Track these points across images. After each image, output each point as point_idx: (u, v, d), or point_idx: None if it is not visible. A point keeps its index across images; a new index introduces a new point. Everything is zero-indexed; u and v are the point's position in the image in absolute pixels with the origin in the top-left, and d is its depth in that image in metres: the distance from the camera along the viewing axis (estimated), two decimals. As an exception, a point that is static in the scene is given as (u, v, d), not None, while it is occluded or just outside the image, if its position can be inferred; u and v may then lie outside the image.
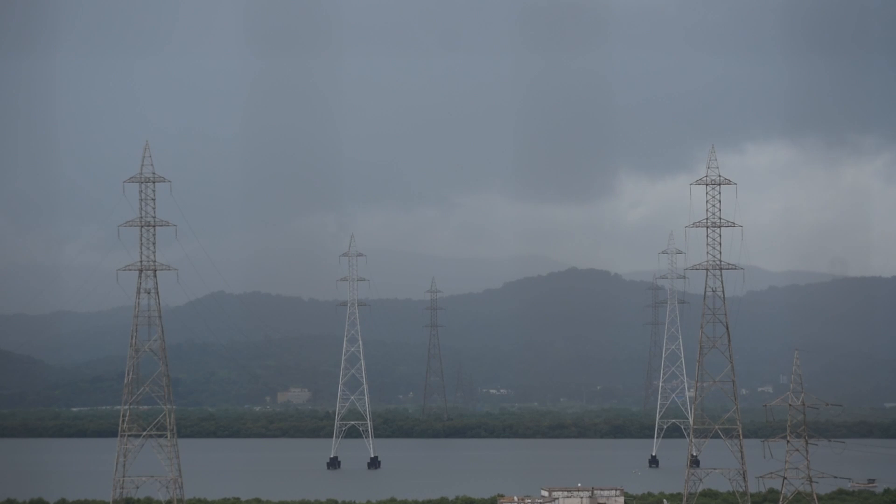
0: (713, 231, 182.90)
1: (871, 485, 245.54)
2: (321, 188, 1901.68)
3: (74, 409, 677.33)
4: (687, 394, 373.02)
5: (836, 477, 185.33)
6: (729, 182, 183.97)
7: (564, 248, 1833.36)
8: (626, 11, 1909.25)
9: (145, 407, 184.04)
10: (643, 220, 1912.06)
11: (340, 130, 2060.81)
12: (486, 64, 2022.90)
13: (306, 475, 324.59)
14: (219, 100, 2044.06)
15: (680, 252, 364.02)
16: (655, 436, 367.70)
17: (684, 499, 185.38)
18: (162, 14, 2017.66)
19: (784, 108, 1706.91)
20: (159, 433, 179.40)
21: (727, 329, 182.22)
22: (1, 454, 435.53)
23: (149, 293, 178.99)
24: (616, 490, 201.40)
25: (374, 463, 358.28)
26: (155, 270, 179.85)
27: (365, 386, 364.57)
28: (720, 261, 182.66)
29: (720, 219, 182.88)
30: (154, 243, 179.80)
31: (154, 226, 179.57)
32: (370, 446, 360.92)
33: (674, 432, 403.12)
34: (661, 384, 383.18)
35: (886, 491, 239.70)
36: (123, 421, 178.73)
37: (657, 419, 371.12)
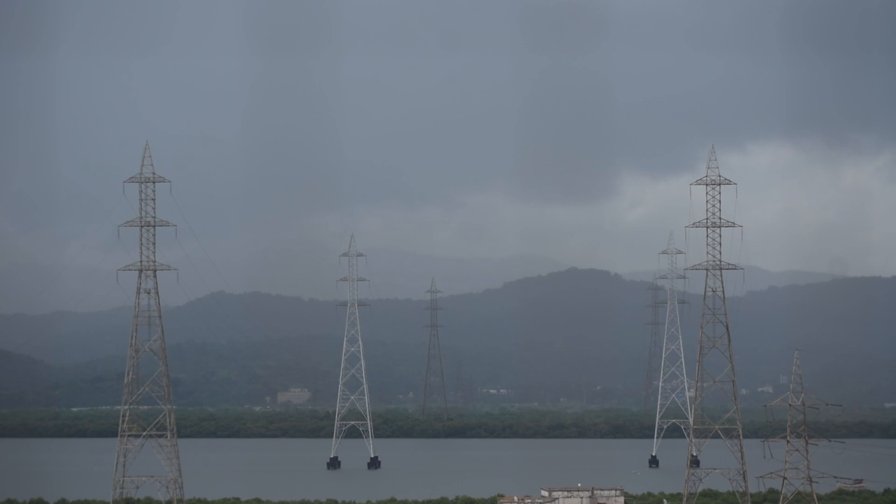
0: (713, 231, 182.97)
1: (857, 484, 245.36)
2: (321, 188, 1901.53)
3: (74, 409, 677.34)
4: (687, 394, 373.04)
5: (835, 477, 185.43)
6: (729, 182, 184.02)
7: (564, 248, 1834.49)
8: (627, 11, 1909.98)
9: (145, 407, 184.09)
10: (643, 220, 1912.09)
11: (341, 130, 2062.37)
12: (487, 64, 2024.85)
13: (306, 475, 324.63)
14: (219, 100, 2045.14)
15: (680, 252, 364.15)
16: (655, 436, 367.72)
17: (684, 499, 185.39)
18: (162, 14, 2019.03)
19: (784, 107, 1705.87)
20: (159, 433, 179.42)
21: (727, 329, 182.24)
22: (1, 454, 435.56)
23: (149, 293, 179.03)
24: (616, 490, 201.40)
25: (374, 463, 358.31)
26: (155, 270, 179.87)
27: (365, 386, 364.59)
28: (720, 261, 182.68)
29: (720, 219, 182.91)
30: (154, 243, 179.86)
31: (154, 226, 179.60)
32: (370, 446, 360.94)
33: (674, 432, 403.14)
34: (661, 384, 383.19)
35: (886, 491, 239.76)
36: (123, 421, 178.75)
37: (657, 419, 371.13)
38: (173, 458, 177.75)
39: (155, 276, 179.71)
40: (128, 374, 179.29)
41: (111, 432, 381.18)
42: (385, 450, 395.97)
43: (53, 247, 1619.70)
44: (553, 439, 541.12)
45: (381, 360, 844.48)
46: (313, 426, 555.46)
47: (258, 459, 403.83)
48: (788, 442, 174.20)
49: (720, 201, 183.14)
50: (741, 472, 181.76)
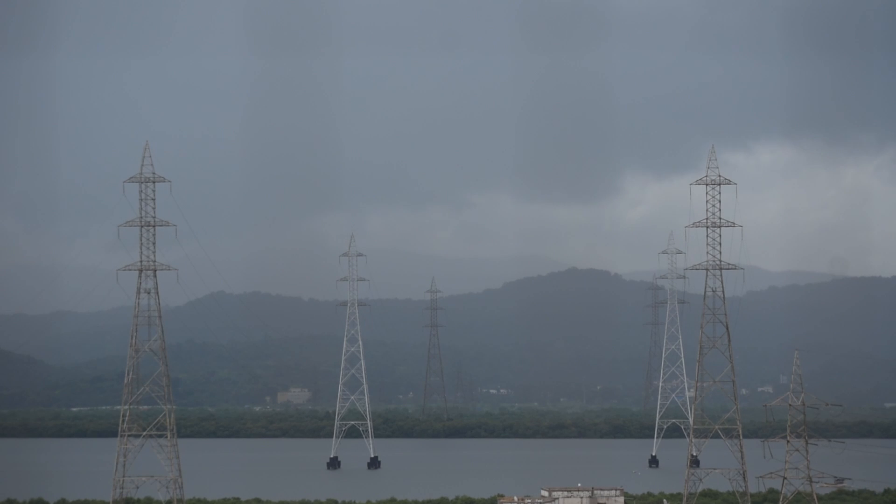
0: (713, 231, 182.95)
1: (839, 484, 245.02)
2: (322, 188, 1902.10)
3: (74, 409, 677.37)
4: (687, 394, 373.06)
5: (835, 477, 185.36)
6: (729, 182, 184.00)
7: (564, 248, 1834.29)
8: (628, 11, 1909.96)
9: (145, 407, 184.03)
10: (643, 220, 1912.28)
11: (341, 130, 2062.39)
12: (487, 64, 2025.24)
13: (306, 475, 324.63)
14: (219, 100, 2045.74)
15: (680, 252, 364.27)
16: (655, 436, 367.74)
17: (684, 499, 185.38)
18: (162, 14, 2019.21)
19: (784, 107, 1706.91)
20: (159, 433, 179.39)
21: (727, 329, 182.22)
22: (1, 454, 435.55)
23: (149, 293, 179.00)
24: (616, 490, 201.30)
25: (374, 463, 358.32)
26: (155, 270, 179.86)
27: (365, 386, 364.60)
28: (720, 261, 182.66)
29: (720, 219, 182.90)
30: (154, 243, 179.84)
31: (154, 226, 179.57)
32: (370, 446, 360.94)
33: (674, 432, 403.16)
34: (661, 384, 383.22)
35: (886, 491, 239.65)
36: (123, 421, 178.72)
37: (657, 419, 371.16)
38: (173, 458, 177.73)
39: (155, 276, 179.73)
40: (128, 374, 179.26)
41: (111, 432, 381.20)
42: (385, 450, 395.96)
43: (54, 247, 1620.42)
44: (553, 439, 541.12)
45: (381, 360, 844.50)
46: (313, 426, 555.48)
47: (258, 459, 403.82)
48: (788, 442, 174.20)
49: (720, 201, 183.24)
50: (741, 472, 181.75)
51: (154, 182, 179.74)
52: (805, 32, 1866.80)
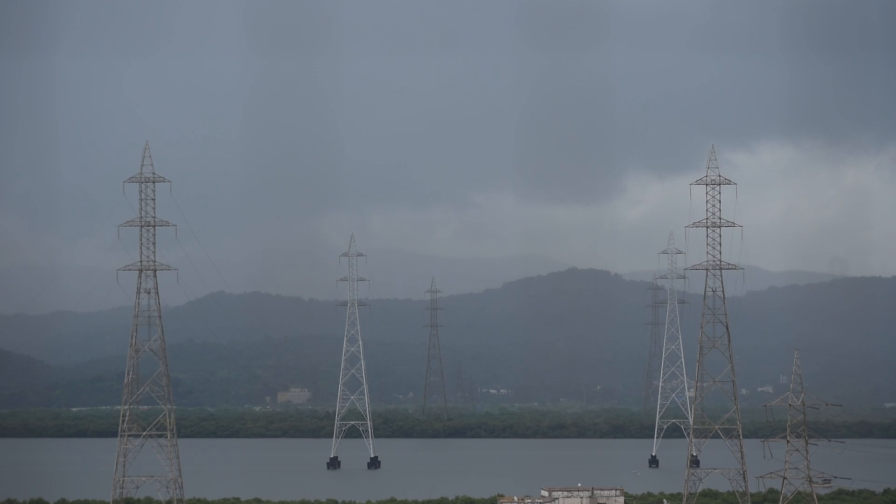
0: (713, 231, 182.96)
1: (826, 484, 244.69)
2: (322, 188, 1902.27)
3: (74, 409, 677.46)
4: (687, 394, 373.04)
5: (835, 477, 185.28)
6: (729, 182, 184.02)
7: (564, 248, 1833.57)
8: (629, 12, 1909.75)
9: (145, 407, 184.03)
10: (643, 220, 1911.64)
11: (341, 130, 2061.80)
12: (488, 65, 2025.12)
13: (306, 475, 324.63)
14: (219, 100, 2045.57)
15: (680, 252, 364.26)
16: (655, 436, 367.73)
17: (684, 499, 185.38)
18: (162, 14, 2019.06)
19: (785, 107, 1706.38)
20: (159, 433, 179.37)
21: (727, 329, 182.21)
22: (1, 454, 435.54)
23: (149, 293, 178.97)
24: (616, 490, 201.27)
25: (374, 463, 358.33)
26: (155, 270, 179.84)
27: (365, 386, 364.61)
28: (720, 261, 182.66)
29: (720, 219, 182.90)
30: (154, 243, 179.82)
31: (154, 226, 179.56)
32: (370, 446, 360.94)
33: (674, 432, 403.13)
34: (660, 384, 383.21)
35: (886, 491, 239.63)
36: (123, 421, 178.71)
37: (657, 419, 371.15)
38: (173, 458, 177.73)
39: (155, 276, 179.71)
40: (128, 374, 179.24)
41: (111, 432, 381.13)
42: (385, 450, 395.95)
43: (57, 247, 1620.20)
44: (553, 439, 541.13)
45: (381, 360, 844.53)
46: (313, 426, 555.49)
47: (258, 459, 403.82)
48: (788, 442, 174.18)
49: (720, 201, 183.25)
50: (741, 472, 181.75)
51: (154, 182, 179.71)
52: (805, 32, 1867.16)
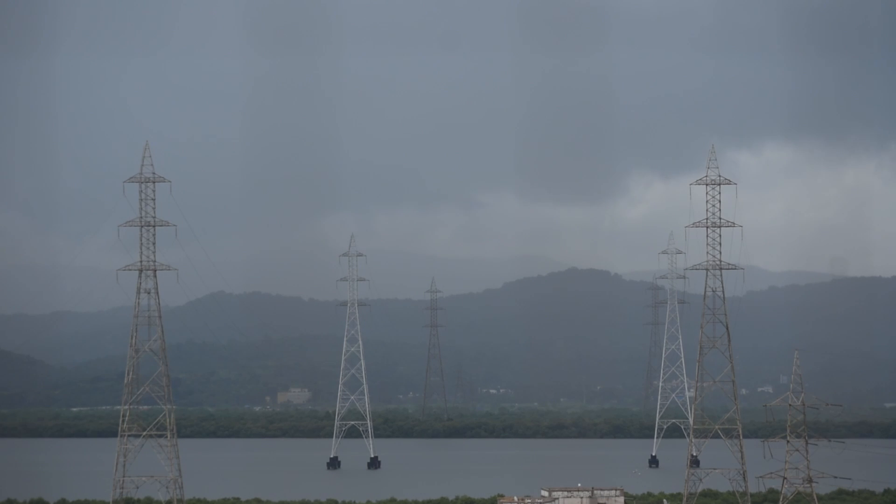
0: (713, 231, 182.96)
1: (814, 483, 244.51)
2: (322, 188, 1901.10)
3: (74, 409, 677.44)
4: (687, 394, 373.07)
5: (835, 477, 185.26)
6: (729, 182, 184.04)
7: (564, 248, 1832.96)
8: (629, 12, 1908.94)
9: (145, 407, 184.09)
10: (643, 220, 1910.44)
11: (343, 131, 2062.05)
12: (489, 65, 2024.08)
13: (306, 475, 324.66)
14: (219, 100, 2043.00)
15: (680, 252, 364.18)
16: (655, 436, 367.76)
17: (684, 499, 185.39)
18: (162, 14, 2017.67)
19: (785, 107, 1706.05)
20: (159, 433, 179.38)
21: (727, 329, 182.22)
22: (1, 454, 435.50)
23: (149, 293, 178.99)
24: (616, 490, 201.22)
25: (374, 463, 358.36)
26: (155, 270, 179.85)
27: (365, 386, 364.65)
28: (720, 261, 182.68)
29: (720, 219, 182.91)
30: (154, 243, 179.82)
31: (154, 226, 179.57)
32: (370, 446, 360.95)
33: (674, 432, 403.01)
34: (661, 384, 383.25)
35: (886, 491, 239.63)
36: (123, 421, 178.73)
37: (657, 419, 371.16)
38: (173, 458, 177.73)
39: (155, 276, 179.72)
40: (128, 374, 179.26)
41: (111, 432, 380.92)
42: (385, 450, 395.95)
43: (56, 247, 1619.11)
44: (553, 439, 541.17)
45: (381, 360, 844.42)
46: (313, 426, 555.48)
47: (258, 459, 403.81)
48: (788, 442, 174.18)
49: (720, 201, 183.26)
50: (741, 472, 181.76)
51: (154, 182, 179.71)
52: (806, 33, 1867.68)
